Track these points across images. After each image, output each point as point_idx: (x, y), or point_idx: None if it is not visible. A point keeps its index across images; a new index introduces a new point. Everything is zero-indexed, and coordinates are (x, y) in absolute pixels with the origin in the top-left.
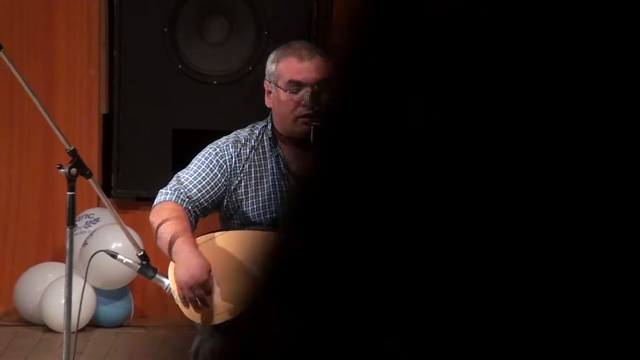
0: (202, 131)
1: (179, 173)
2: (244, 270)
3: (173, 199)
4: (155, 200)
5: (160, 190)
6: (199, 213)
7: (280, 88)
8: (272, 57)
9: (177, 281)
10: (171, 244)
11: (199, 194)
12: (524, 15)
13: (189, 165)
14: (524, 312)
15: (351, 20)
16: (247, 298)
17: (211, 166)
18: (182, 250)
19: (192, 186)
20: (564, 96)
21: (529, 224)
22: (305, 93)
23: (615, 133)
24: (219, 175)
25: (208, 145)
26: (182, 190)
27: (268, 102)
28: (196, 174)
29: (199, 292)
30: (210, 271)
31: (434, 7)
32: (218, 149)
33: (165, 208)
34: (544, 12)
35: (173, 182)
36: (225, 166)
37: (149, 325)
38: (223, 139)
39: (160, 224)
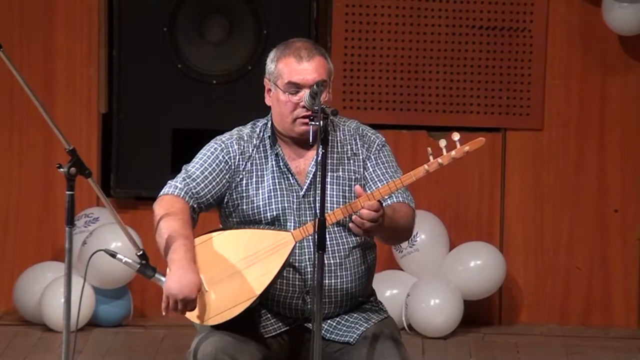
0: (202, 131)
1: (186, 166)
2: (243, 270)
3: (181, 195)
4: (163, 190)
5: (169, 181)
6: (203, 208)
7: (279, 88)
8: (271, 55)
9: (166, 289)
10: (168, 245)
11: (205, 190)
12: None
13: (195, 159)
14: None
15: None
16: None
17: (217, 161)
18: (177, 260)
19: (200, 181)
20: None
21: None
22: (304, 94)
23: None
24: (224, 171)
25: (212, 140)
26: (191, 185)
27: (268, 100)
28: (203, 168)
29: (182, 307)
30: (199, 290)
31: None
32: (223, 145)
33: (170, 203)
34: None
35: (182, 175)
36: (230, 163)
37: (148, 325)
38: (227, 134)
39: (161, 218)
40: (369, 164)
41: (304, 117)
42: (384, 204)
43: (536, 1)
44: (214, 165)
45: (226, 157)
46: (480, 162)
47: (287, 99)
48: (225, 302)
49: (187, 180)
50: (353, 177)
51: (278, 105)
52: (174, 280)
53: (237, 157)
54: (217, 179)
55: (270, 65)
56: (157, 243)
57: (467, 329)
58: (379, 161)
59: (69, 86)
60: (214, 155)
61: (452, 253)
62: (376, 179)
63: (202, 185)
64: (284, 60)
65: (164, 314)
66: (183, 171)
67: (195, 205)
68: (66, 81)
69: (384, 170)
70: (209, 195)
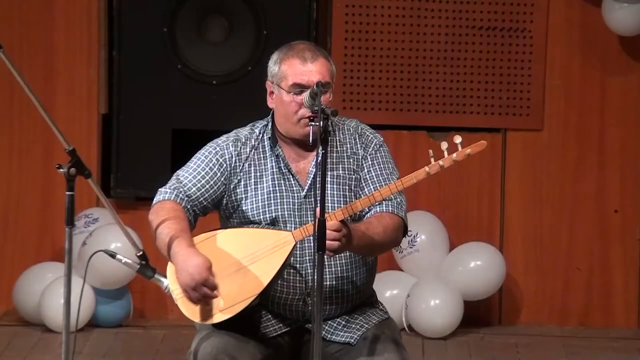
0: (202, 131)
1: (178, 172)
2: (243, 268)
3: (172, 198)
4: (154, 199)
5: (160, 189)
6: (198, 212)
7: (283, 90)
8: (274, 57)
9: (180, 285)
10: (169, 245)
11: (198, 193)
12: None
13: (188, 164)
14: None
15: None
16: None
17: (211, 165)
18: (179, 252)
19: (192, 185)
20: None
21: None
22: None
23: None
24: (219, 174)
25: (208, 144)
26: (181, 189)
27: (270, 102)
28: (195, 172)
29: (202, 290)
30: (209, 267)
31: None
32: (218, 147)
33: (164, 207)
34: None
35: (172, 181)
36: (225, 165)
37: (148, 325)
38: (223, 137)
39: (159, 224)
40: (364, 164)
41: (308, 117)
42: (372, 211)
43: (536, 2)
44: (207, 168)
45: (221, 160)
46: (480, 162)
47: (291, 99)
48: (225, 300)
49: (177, 184)
50: (353, 176)
51: (282, 106)
52: (181, 273)
53: (234, 158)
54: (212, 182)
55: (273, 68)
56: (159, 250)
57: (467, 329)
58: (374, 162)
59: (69, 86)
60: (208, 158)
61: (452, 253)
62: (369, 181)
63: (195, 188)
64: (288, 62)
65: (184, 308)
66: (174, 177)
67: (189, 207)
68: (66, 81)
69: (378, 172)
70: (202, 198)
